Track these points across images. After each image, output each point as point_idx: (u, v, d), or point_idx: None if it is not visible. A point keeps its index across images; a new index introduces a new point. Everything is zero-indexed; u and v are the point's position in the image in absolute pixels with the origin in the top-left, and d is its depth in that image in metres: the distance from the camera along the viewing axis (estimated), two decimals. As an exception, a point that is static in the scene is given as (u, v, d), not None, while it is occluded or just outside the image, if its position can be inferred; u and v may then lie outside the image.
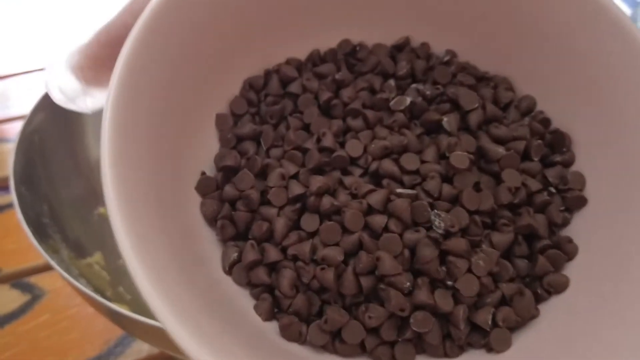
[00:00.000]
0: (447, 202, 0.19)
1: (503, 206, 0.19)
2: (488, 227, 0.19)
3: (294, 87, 0.22)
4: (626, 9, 0.78)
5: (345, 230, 0.18)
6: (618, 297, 0.17)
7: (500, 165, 0.20)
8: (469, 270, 0.18)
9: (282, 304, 0.19)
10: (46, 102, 0.34)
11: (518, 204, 0.20)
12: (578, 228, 0.20)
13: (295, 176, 0.20)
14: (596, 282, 0.18)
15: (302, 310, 0.18)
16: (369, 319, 0.18)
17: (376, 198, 0.19)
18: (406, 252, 0.18)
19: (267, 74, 0.23)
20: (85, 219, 0.36)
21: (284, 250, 0.19)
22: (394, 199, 0.18)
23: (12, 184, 0.30)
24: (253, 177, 0.20)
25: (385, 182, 0.20)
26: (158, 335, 0.27)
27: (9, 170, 0.31)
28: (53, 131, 0.35)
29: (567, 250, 0.20)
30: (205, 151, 0.22)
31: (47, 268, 0.27)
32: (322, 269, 0.18)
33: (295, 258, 0.19)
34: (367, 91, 0.22)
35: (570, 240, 0.20)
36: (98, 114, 0.42)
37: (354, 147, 0.20)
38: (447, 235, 0.18)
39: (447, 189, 0.19)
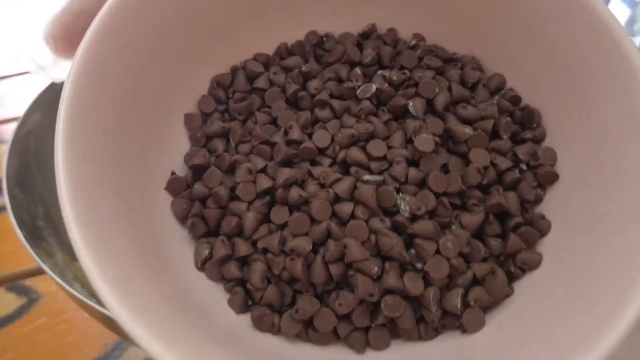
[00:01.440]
0: (414, 185, 0.19)
1: (473, 187, 0.19)
2: (458, 208, 0.19)
3: (260, 82, 0.23)
4: (626, 9, 0.77)
5: (314, 221, 0.19)
6: (593, 270, 0.17)
7: (468, 145, 0.20)
8: (438, 252, 0.18)
9: (254, 296, 0.19)
10: (40, 103, 0.34)
11: (488, 184, 0.19)
12: (551, 204, 0.20)
13: (263, 170, 0.20)
14: (570, 257, 0.18)
15: (274, 302, 0.19)
16: (339, 306, 0.18)
17: (342, 186, 0.19)
18: (373, 238, 0.18)
19: (234, 70, 0.23)
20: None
21: (254, 244, 0.19)
22: (360, 186, 0.18)
23: (4, 186, 0.30)
24: (221, 174, 0.20)
25: (353, 170, 0.20)
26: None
27: (2, 173, 0.31)
28: (48, 133, 0.35)
29: (539, 227, 0.19)
30: (175, 151, 0.22)
31: (43, 271, 0.27)
32: (292, 259, 0.18)
33: (265, 251, 0.19)
34: (334, 81, 0.23)
35: (542, 217, 0.19)
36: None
37: (321, 138, 0.20)
38: (414, 218, 0.18)
39: (413, 172, 0.19)
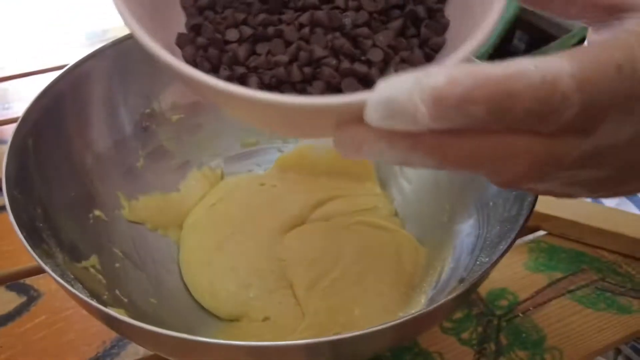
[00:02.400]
0: (353, 10, 0.26)
1: (393, 7, 0.26)
2: (385, 23, 0.26)
3: None
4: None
5: (288, 44, 0.25)
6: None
7: None
8: (374, 45, 0.24)
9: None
10: (39, 105, 0.34)
11: (404, 3, 0.26)
12: (449, 13, 0.27)
13: (244, 21, 0.26)
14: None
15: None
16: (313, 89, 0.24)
17: (304, 18, 0.26)
18: (329, 44, 0.24)
19: None
20: (80, 222, 0.36)
21: (247, 68, 0.25)
22: (315, 14, 0.25)
23: (4, 187, 0.30)
24: (213, 28, 0.26)
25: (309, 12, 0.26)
26: (152, 339, 0.27)
27: (2, 173, 0.31)
28: (48, 134, 0.35)
29: (441, 22, 0.26)
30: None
31: (43, 270, 0.27)
32: (276, 66, 0.24)
33: (255, 68, 0.25)
34: None
35: (442, 16, 0.27)
36: (93, 118, 0.42)
37: None
38: (355, 27, 0.25)
39: (351, 3, 0.26)
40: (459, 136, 0.18)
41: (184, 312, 0.37)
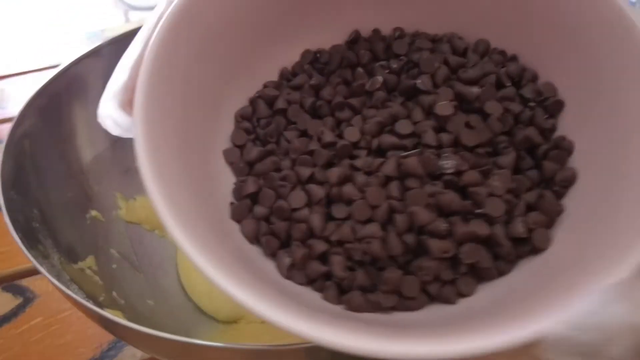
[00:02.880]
0: (448, 147, 0.21)
1: (498, 134, 0.21)
2: (492, 155, 0.21)
3: (280, 104, 0.24)
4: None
5: (374, 207, 0.20)
6: (623, 173, 0.19)
7: (481, 100, 0.22)
8: (491, 194, 0.19)
9: (343, 285, 0.20)
10: (34, 105, 0.34)
11: (509, 128, 0.22)
12: (565, 129, 0.22)
13: (311, 177, 0.22)
14: (600, 166, 0.20)
15: (364, 283, 0.20)
16: (424, 275, 0.19)
17: (388, 167, 0.20)
18: (432, 200, 0.19)
19: (252, 101, 0.25)
20: (77, 223, 0.36)
21: (327, 241, 0.21)
22: (403, 162, 0.20)
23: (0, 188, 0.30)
24: (273, 192, 0.22)
25: (390, 153, 0.21)
26: (149, 342, 0.27)
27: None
28: (43, 134, 0.35)
29: (565, 147, 0.21)
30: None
31: (39, 271, 0.27)
32: (368, 242, 0.19)
33: (339, 243, 0.20)
34: (342, 85, 0.24)
35: (564, 138, 0.22)
36: (89, 117, 0.41)
37: (351, 133, 0.22)
38: (459, 173, 0.20)
39: (444, 136, 0.21)
40: None
41: (182, 314, 0.37)
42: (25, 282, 0.40)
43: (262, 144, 0.24)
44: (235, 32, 0.23)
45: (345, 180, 0.21)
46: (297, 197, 0.21)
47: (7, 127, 0.34)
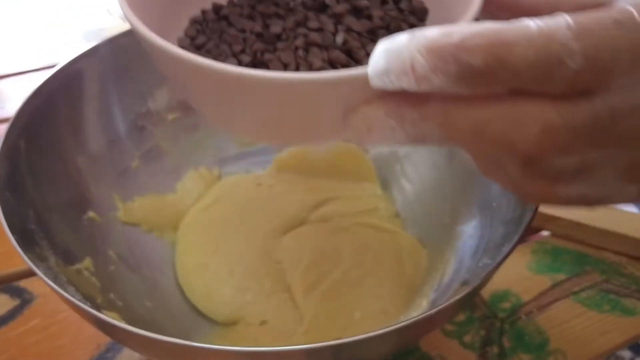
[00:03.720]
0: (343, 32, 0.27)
1: (379, 27, 0.27)
2: (373, 41, 0.26)
3: (224, 11, 0.29)
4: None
5: (286, 66, 0.25)
6: None
7: (369, 9, 0.28)
8: (367, 54, 0.25)
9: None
10: (30, 106, 0.34)
11: (388, 26, 0.27)
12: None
13: (242, 52, 0.27)
14: None
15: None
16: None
17: (298, 41, 0.26)
18: (326, 57, 0.25)
19: (203, 11, 0.30)
20: (73, 224, 0.36)
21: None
22: (308, 35, 0.26)
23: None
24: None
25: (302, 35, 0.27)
26: (146, 345, 0.27)
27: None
28: (40, 134, 0.35)
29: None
30: None
31: (35, 273, 0.27)
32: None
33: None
34: (273, 5, 0.29)
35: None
36: (86, 117, 0.41)
37: (276, 28, 0.28)
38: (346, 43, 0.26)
39: (340, 27, 0.27)
40: (466, 104, 0.19)
41: (180, 316, 0.37)
42: (22, 283, 0.39)
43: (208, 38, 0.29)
44: None
45: (266, 50, 0.27)
46: (230, 62, 0.26)
47: (3, 127, 0.33)
